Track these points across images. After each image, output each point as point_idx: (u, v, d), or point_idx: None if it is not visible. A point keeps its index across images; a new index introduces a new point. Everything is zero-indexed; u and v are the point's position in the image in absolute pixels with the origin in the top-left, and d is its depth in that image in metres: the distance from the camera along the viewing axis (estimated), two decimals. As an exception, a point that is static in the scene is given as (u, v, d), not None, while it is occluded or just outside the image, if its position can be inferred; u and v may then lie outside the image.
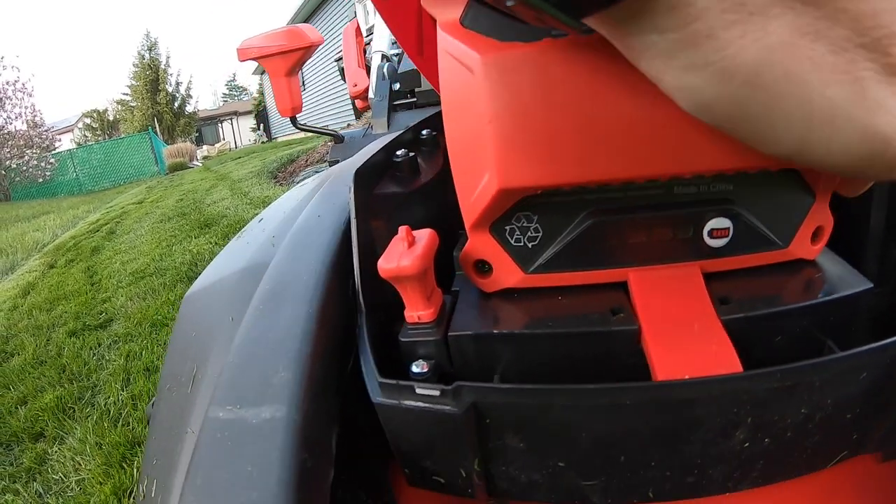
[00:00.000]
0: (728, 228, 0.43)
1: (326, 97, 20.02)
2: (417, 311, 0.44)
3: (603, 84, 0.37)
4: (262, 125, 33.83)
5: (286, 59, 1.70)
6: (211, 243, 5.00)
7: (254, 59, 1.73)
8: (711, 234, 0.43)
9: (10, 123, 21.05)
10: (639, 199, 0.43)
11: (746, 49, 0.23)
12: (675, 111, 0.35)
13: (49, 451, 2.38)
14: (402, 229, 0.44)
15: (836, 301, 0.41)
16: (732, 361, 0.37)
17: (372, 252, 0.53)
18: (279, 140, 23.84)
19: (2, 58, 21.48)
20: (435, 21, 0.44)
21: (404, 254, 0.42)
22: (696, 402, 0.35)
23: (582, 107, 0.37)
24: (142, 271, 4.67)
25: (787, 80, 0.24)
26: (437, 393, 0.38)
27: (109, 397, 2.66)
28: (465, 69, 0.40)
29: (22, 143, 20.60)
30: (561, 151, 0.39)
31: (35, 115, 22.64)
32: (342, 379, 0.46)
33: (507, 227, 0.45)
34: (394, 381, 0.40)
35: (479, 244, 0.46)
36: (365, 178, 0.56)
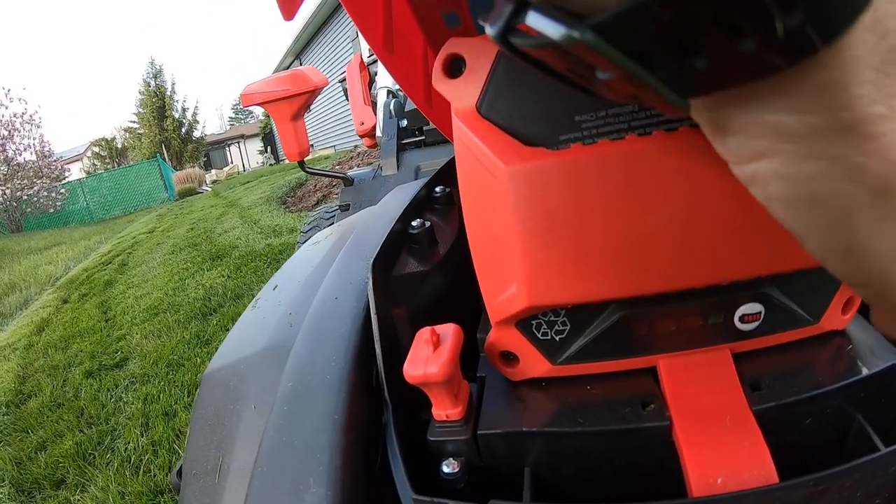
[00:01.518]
0: (760, 313, 0.42)
1: (333, 119, 20.02)
2: (445, 410, 0.44)
3: (641, 196, 0.36)
4: (269, 147, 33.92)
5: (291, 104, 1.70)
6: (223, 276, 4.99)
7: (258, 104, 1.72)
8: (743, 319, 0.42)
9: (20, 155, 21.08)
10: (669, 294, 0.42)
11: (889, 150, 0.21)
12: (718, 222, 0.36)
13: (71, 499, 2.37)
14: (426, 331, 0.43)
15: (868, 378, 0.40)
16: (765, 461, 0.36)
17: (394, 341, 0.53)
18: (286, 162, 23.88)
19: (8, 91, 21.51)
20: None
21: (430, 359, 0.42)
22: None
23: (619, 222, 0.37)
24: (155, 307, 4.67)
25: None
26: None
27: (129, 443, 2.65)
28: (488, 173, 0.39)
29: (32, 173, 20.65)
30: (595, 269, 0.38)
31: (44, 146, 22.70)
32: (373, 480, 0.46)
33: (534, 322, 0.45)
34: (428, 499, 0.39)
35: (504, 337, 0.46)
36: (382, 265, 0.56)
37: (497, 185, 0.39)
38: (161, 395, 3.05)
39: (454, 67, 0.42)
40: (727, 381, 0.41)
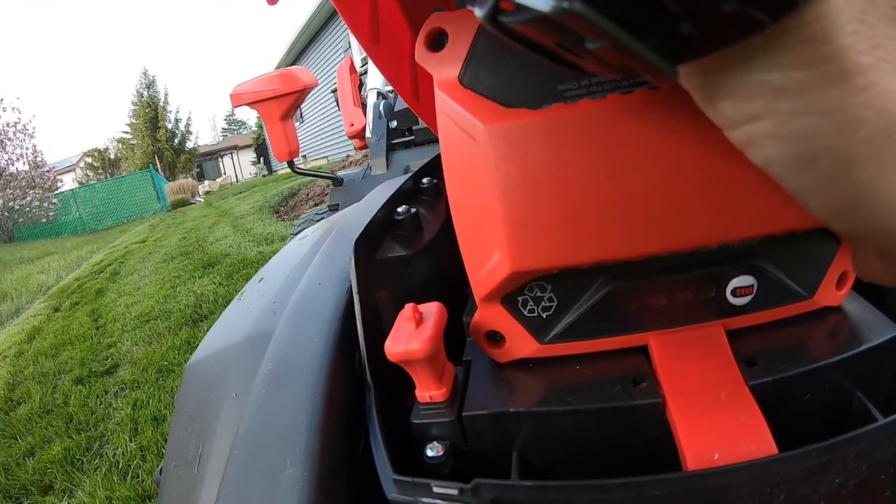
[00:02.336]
0: (752, 286, 0.41)
1: (326, 129, 20.05)
2: (429, 391, 0.43)
3: (624, 154, 0.35)
4: (262, 158, 33.92)
5: (280, 104, 1.69)
6: (214, 283, 4.98)
7: (247, 104, 1.70)
8: (735, 292, 0.41)
9: (12, 165, 21.09)
10: (658, 262, 0.40)
11: (879, 99, 0.21)
12: (704, 179, 0.35)
13: (59, 504, 2.36)
14: (409, 307, 0.42)
15: (865, 352, 0.39)
16: (763, 435, 0.35)
17: (378, 324, 0.51)
18: (279, 173, 23.90)
19: (1, 100, 21.53)
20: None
21: (413, 335, 0.40)
22: (729, 487, 0.33)
23: (601, 180, 0.36)
24: (146, 314, 4.65)
25: None
26: (455, 492, 0.36)
27: (118, 448, 2.63)
28: (468, 137, 0.38)
29: (24, 183, 20.64)
30: (579, 230, 0.37)
31: (37, 156, 22.69)
32: (353, 464, 0.45)
33: (520, 298, 0.44)
34: (409, 479, 0.38)
35: (490, 316, 0.45)
36: (365, 246, 0.54)
37: (477, 147, 0.38)
38: (150, 401, 3.04)
39: (437, 42, 0.41)
40: (721, 358, 0.40)
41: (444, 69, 0.40)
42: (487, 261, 0.41)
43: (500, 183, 0.37)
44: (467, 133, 0.38)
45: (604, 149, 0.35)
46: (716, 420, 0.36)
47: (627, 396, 0.39)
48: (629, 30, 0.21)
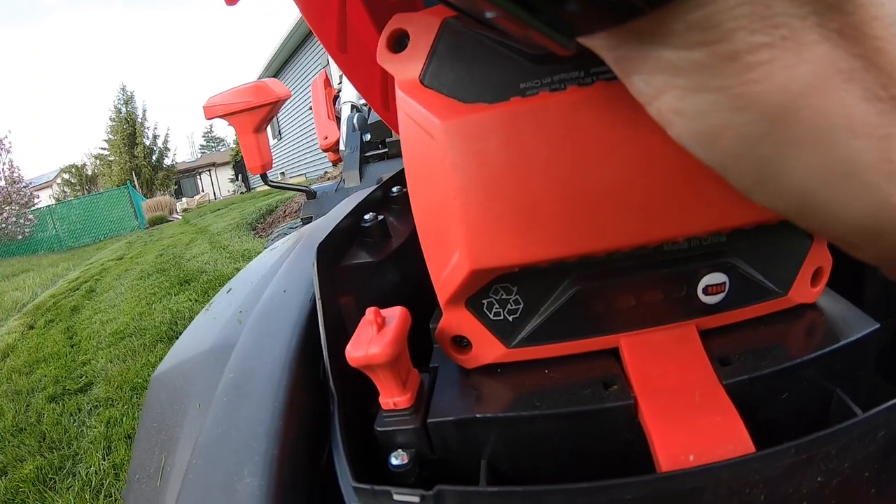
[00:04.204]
0: (724, 283, 0.41)
1: (304, 146, 20.00)
2: (392, 397, 0.42)
3: (584, 146, 0.35)
4: (240, 176, 33.73)
5: (253, 116, 1.66)
6: (191, 300, 4.95)
7: (220, 116, 1.69)
8: (706, 290, 0.41)
9: (-11, 180, 20.92)
10: (625, 261, 0.40)
11: (773, 77, 0.21)
12: (666, 170, 0.34)
13: (29, 525, 2.32)
14: (370, 311, 0.41)
15: (843, 348, 0.39)
16: (740, 434, 0.34)
17: (342, 331, 0.51)
18: (257, 190, 23.81)
19: (-23, 116, 21.41)
20: None
21: (373, 340, 0.40)
22: (705, 489, 0.32)
23: (560, 174, 0.35)
24: (122, 332, 4.61)
25: (811, 121, 0.21)
26: (416, 499, 0.35)
27: (91, 467, 2.60)
28: (426, 134, 0.38)
29: (0, 199, 20.44)
30: (539, 226, 0.37)
31: (13, 172, 22.48)
32: (316, 474, 0.44)
33: (485, 301, 0.43)
34: (368, 487, 0.36)
35: (455, 320, 0.44)
36: (328, 252, 0.54)
37: (435, 144, 0.37)
38: (124, 419, 3.01)
39: (398, 43, 0.40)
40: (694, 358, 0.40)
41: (405, 70, 0.40)
42: (448, 262, 0.40)
43: (458, 180, 0.37)
44: (425, 131, 0.38)
45: (563, 141, 0.35)
46: (690, 421, 0.36)
47: (598, 399, 0.39)
48: (521, 5, 0.22)
